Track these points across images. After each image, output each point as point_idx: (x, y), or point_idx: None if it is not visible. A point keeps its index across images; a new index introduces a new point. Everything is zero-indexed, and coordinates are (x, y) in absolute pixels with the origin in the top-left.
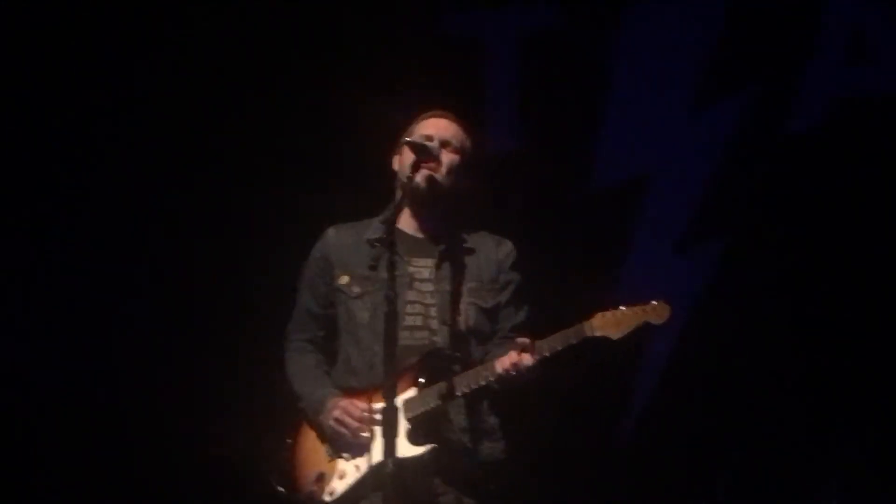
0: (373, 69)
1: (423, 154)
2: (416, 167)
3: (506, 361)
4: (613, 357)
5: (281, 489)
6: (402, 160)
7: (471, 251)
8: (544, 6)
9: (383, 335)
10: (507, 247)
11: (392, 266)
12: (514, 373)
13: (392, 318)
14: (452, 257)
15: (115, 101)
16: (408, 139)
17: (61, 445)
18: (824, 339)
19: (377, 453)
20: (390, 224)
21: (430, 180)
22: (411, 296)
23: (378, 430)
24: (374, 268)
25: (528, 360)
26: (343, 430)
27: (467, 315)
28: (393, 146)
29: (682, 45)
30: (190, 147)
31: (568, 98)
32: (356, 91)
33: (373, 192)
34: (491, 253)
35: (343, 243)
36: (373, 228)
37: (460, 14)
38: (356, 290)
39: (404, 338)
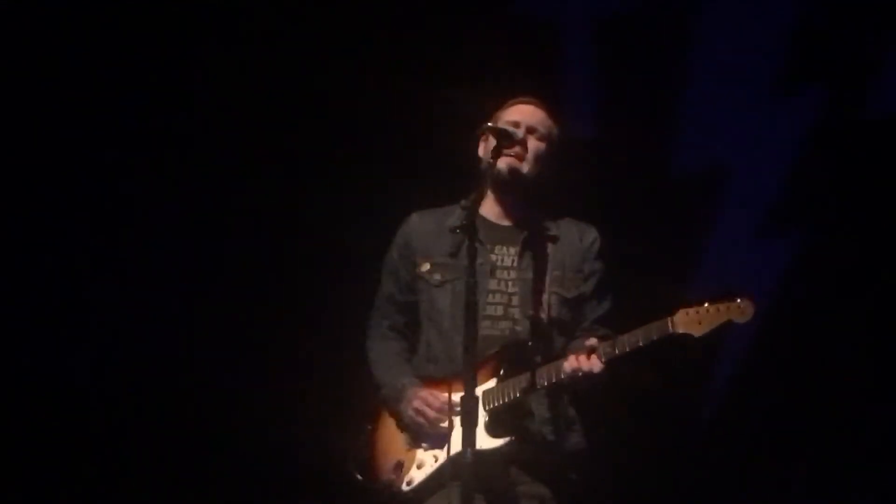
0: (446, 55)
1: (506, 139)
2: (497, 153)
3: (571, 364)
4: (692, 351)
5: (359, 476)
6: (487, 146)
7: (555, 239)
8: None
9: (463, 324)
10: (592, 234)
11: (473, 254)
12: (580, 375)
13: (472, 307)
14: (536, 245)
15: (187, 86)
16: (489, 124)
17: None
18: None
19: (455, 444)
20: (471, 211)
21: (513, 167)
22: (493, 284)
23: (457, 420)
24: (454, 255)
25: (589, 363)
26: (422, 419)
27: (550, 305)
28: (479, 132)
29: (762, 31)
30: (273, 137)
31: (646, 83)
32: (432, 77)
33: (457, 178)
34: (575, 241)
35: (425, 230)
36: (455, 215)
37: None
38: (437, 277)
39: (485, 327)
